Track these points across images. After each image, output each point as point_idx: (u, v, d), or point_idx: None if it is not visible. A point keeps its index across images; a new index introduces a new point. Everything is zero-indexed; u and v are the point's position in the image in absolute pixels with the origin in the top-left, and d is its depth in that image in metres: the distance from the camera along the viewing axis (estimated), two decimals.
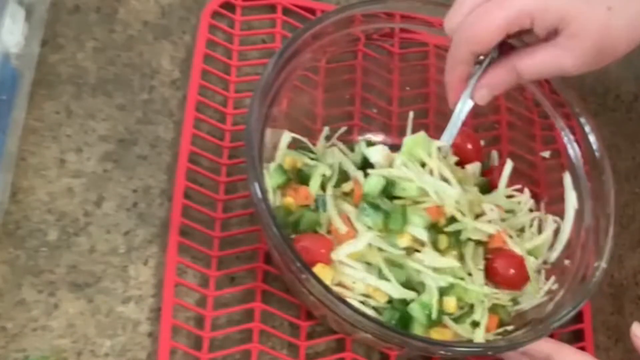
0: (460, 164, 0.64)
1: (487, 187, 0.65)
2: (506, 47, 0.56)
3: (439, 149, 0.60)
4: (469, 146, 0.65)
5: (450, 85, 0.58)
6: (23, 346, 0.54)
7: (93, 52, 0.64)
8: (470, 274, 0.58)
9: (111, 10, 0.66)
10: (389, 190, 0.58)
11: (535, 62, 0.54)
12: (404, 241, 0.56)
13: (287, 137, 0.61)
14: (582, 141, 0.63)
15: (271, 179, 0.58)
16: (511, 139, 0.68)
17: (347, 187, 0.59)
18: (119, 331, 0.56)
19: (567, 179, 0.63)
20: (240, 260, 0.60)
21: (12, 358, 0.54)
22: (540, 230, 0.64)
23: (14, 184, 0.58)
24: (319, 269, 0.55)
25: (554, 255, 0.62)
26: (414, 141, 0.60)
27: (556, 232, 0.63)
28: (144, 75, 0.65)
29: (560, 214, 0.63)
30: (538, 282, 0.61)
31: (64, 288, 0.57)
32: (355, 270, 0.55)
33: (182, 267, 0.59)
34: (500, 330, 0.58)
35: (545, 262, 0.62)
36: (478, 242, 0.59)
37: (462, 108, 0.59)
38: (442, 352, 0.53)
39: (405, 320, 0.55)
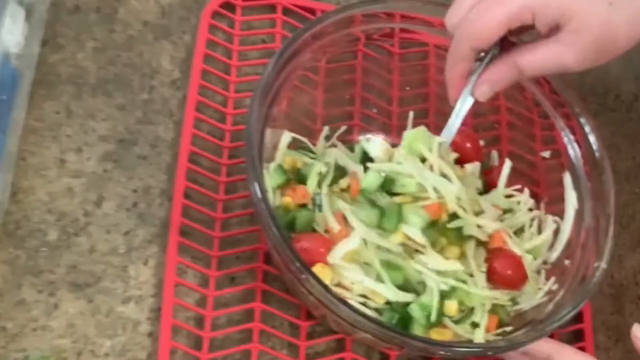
0: (460, 163, 0.64)
1: (486, 186, 0.65)
2: (507, 44, 0.56)
3: (440, 144, 0.60)
4: (469, 146, 0.65)
5: (451, 81, 0.58)
6: (23, 346, 0.54)
7: (93, 52, 0.64)
8: (472, 275, 0.57)
9: (111, 10, 0.66)
10: (388, 187, 0.58)
11: (536, 58, 0.54)
12: (397, 238, 0.56)
13: (287, 137, 0.61)
14: (582, 141, 0.63)
15: (271, 179, 0.58)
16: (511, 139, 0.68)
17: (344, 183, 0.59)
18: (119, 331, 0.56)
19: (567, 179, 0.63)
20: (240, 260, 0.60)
21: (12, 358, 0.54)
22: (540, 230, 0.64)
23: (14, 184, 0.58)
24: (318, 269, 0.55)
25: (554, 255, 0.62)
26: (415, 135, 0.60)
27: (556, 232, 0.63)
28: (144, 75, 0.65)
29: (560, 214, 0.63)
30: (537, 282, 0.61)
31: (64, 288, 0.57)
32: (352, 272, 0.55)
33: (182, 267, 0.59)
34: (500, 330, 0.58)
35: (545, 262, 0.62)
36: (479, 242, 0.59)
37: (463, 105, 0.59)
38: (442, 352, 0.53)
39: (405, 320, 0.55)
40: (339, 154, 0.62)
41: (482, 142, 0.67)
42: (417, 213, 0.56)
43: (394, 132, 0.67)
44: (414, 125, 0.66)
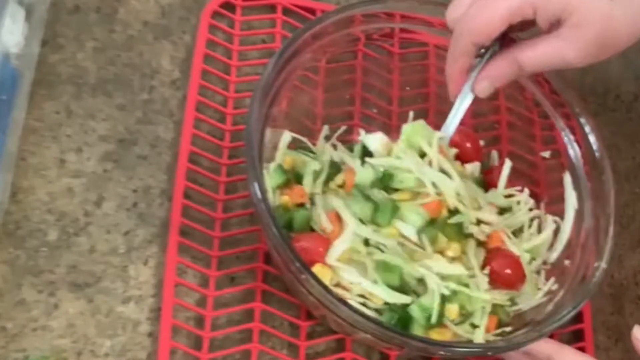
0: (460, 163, 0.64)
1: (485, 186, 0.65)
2: (507, 40, 0.56)
3: (440, 139, 0.60)
4: (469, 146, 0.65)
5: (451, 77, 0.57)
6: (23, 346, 0.54)
7: (93, 52, 0.64)
8: (473, 276, 0.57)
9: (111, 10, 0.66)
10: (386, 182, 0.58)
11: (537, 54, 0.54)
12: (390, 233, 0.56)
13: (287, 137, 0.61)
14: (582, 141, 0.63)
15: (271, 179, 0.58)
16: (511, 139, 0.68)
17: (339, 179, 0.59)
18: (119, 331, 0.56)
19: (567, 179, 0.63)
20: (240, 260, 0.60)
21: (12, 358, 0.54)
22: (540, 231, 0.64)
23: (14, 184, 0.58)
24: (318, 269, 0.55)
25: (554, 255, 0.62)
26: (414, 129, 0.60)
27: (556, 232, 0.63)
28: (144, 75, 0.65)
29: (560, 214, 0.63)
30: (537, 282, 0.61)
31: (64, 288, 0.57)
32: (349, 274, 0.55)
33: (182, 267, 0.59)
34: (500, 330, 0.58)
35: (545, 263, 0.62)
36: (478, 243, 0.59)
37: (463, 101, 0.59)
38: (442, 352, 0.53)
39: (405, 320, 0.55)
40: (333, 151, 0.62)
41: (482, 142, 0.67)
42: (415, 211, 0.56)
43: (394, 132, 0.67)
44: None
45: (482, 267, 0.59)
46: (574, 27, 0.52)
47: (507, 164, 0.64)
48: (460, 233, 0.58)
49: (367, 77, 0.67)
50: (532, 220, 0.64)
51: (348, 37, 0.63)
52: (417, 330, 0.55)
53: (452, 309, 0.56)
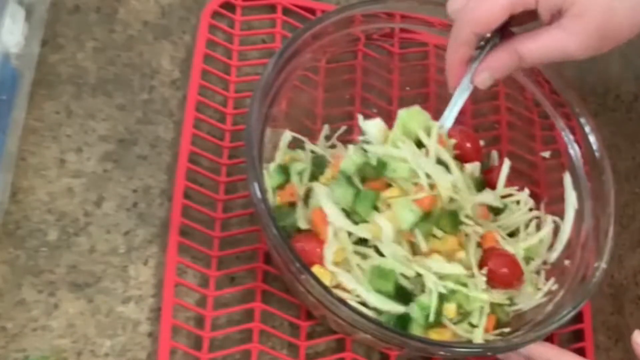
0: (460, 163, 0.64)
1: (485, 186, 0.64)
2: (508, 33, 0.56)
3: (441, 126, 0.60)
4: (469, 146, 0.65)
5: (451, 68, 0.57)
6: (23, 346, 0.54)
7: (93, 52, 0.64)
8: (472, 276, 0.57)
9: (111, 10, 0.66)
10: (379, 170, 0.57)
11: (538, 45, 0.54)
12: (368, 230, 0.56)
13: (287, 136, 0.61)
14: (582, 141, 0.63)
15: (271, 179, 0.58)
16: (511, 139, 0.68)
17: (328, 173, 0.59)
18: (119, 331, 0.56)
19: (567, 179, 0.63)
20: (240, 260, 0.60)
21: (12, 358, 0.54)
22: (539, 231, 0.63)
23: (14, 184, 0.58)
24: (317, 270, 0.55)
25: (554, 255, 0.62)
26: (409, 114, 0.59)
27: (556, 232, 0.63)
28: (144, 75, 0.65)
29: (560, 214, 0.63)
30: (537, 282, 0.61)
31: (64, 288, 0.57)
32: (346, 280, 0.55)
33: (182, 267, 0.59)
34: (499, 331, 0.58)
35: (545, 263, 0.62)
36: (477, 244, 0.59)
37: (462, 93, 0.59)
38: (441, 352, 0.53)
39: (404, 320, 0.55)
40: (315, 146, 0.61)
41: (482, 142, 0.67)
42: (408, 207, 0.55)
43: None
44: None
45: (480, 268, 0.59)
46: (575, 17, 0.52)
47: (506, 164, 0.64)
48: (455, 225, 0.57)
49: (367, 77, 0.67)
50: (530, 220, 0.64)
51: (348, 37, 0.63)
52: (416, 330, 0.55)
53: (450, 308, 0.56)
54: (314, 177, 0.59)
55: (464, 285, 0.56)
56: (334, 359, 0.59)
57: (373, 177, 0.57)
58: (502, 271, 0.58)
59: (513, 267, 0.59)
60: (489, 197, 0.62)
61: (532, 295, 0.60)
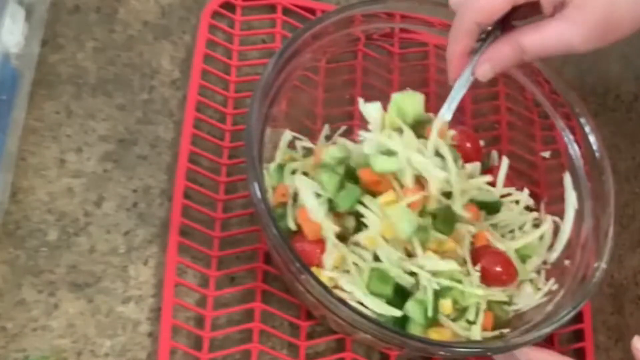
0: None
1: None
2: (509, 27, 0.56)
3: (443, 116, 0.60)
4: (469, 146, 0.65)
5: (452, 59, 0.57)
6: (23, 346, 0.54)
7: (93, 52, 0.64)
8: (467, 274, 0.57)
9: (111, 10, 0.66)
10: (368, 162, 0.57)
11: (540, 37, 0.54)
12: (350, 221, 0.56)
13: (287, 136, 0.61)
14: (582, 141, 0.63)
15: (271, 179, 0.58)
16: (511, 139, 0.68)
17: (310, 161, 0.59)
18: (119, 331, 0.56)
19: (567, 179, 0.63)
20: (240, 260, 0.60)
21: (12, 358, 0.54)
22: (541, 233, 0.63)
23: (14, 184, 0.58)
24: (317, 270, 0.55)
25: (554, 255, 0.62)
26: (403, 97, 0.59)
27: (556, 232, 0.63)
28: (144, 75, 0.65)
29: (560, 214, 0.63)
30: (537, 281, 0.61)
31: (64, 288, 0.57)
32: (344, 283, 0.55)
33: (182, 267, 0.59)
34: (499, 332, 0.58)
35: (545, 263, 0.62)
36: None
37: (462, 85, 0.58)
38: (441, 352, 0.53)
39: (403, 320, 0.55)
40: (306, 144, 0.61)
41: (482, 142, 0.67)
42: (406, 218, 0.55)
43: None
44: None
45: (473, 265, 0.59)
46: (578, 8, 0.52)
47: (505, 163, 0.64)
48: (452, 227, 0.57)
49: (367, 77, 0.67)
50: (526, 219, 0.63)
51: (348, 37, 0.63)
52: (415, 329, 0.55)
53: (446, 305, 0.56)
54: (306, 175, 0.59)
55: (459, 281, 0.56)
56: (334, 359, 0.59)
57: (361, 166, 0.57)
58: (495, 269, 0.58)
59: (506, 264, 0.59)
60: (482, 192, 0.62)
61: (532, 295, 0.60)
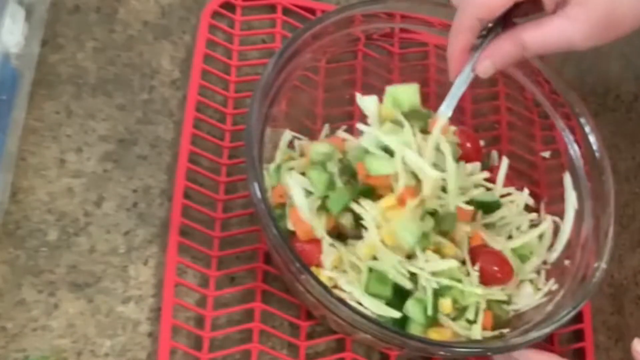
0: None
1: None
2: (510, 24, 0.56)
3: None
4: (469, 146, 0.65)
5: (453, 55, 0.57)
6: (23, 346, 0.54)
7: (93, 52, 0.64)
8: (467, 274, 0.57)
9: (111, 10, 0.66)
10: (361, 158, 0.57)
11: (541, 33, 0.53)
12: (347, 218, 0.56)
13: (287, 136, 0.61)
14: (582, 141, 0.63)
15: (271, 179, 0.58)
16: (511, 139, 0.68)
17: (302, 161, 0.59)
18: (119, 331, 0.56)
19: (567, 179, 0.63)
20: (240, 260, 0.60)
21: (12, 358, 0.54)
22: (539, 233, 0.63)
23: (14, 184, 0.58)
24: (317, 270, 0.55)
25: (554, 255, 0.62)
26: (397, 89, 0.59)
27: (556, 232, 0.63)
28: (144, 75, 0.65)
29: (560, 214, 0.63)
30: (537, 281, 0.61)
31: (64, 288, 0.57)
32: (343, 283, 0.55)
33: (182, 267, 0.59)
34: (498, 332, 0.58)
35: (545, 263, 0.62)
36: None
37: (463, 81, 0.58)
38: (441, 352, 0.53)
39: (403, 320, 0.55)
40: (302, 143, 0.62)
41: (482, 142, 0.67)
42: (409, 230, 0.55)
43: None
44: None
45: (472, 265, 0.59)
46: (580, 5, 0.52)
47: (505, 162, 0.64)
48: (452, 223, 0.57)
49: (367, 77, 0.67)
50: (522, 219, 0.63)
51: (348, 37, 0.63)
52: (415, 329, 0.55)
53: (446, 304, 0.56)
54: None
55: (459, 281, 0.56)
56: (334, 359, 0.59)
57: (358, 160, 0.57)
58: (490, 268, 0.58)
59: (501, 263, 0.59)
60: (481, 192, 0.62)
61: (532, 295, 0.60)
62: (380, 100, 0.60)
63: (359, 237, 0.57)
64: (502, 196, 0.64)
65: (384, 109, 0.59)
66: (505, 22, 0.56)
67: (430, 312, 0.55)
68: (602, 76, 0.76)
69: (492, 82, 0.68)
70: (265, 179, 0.56)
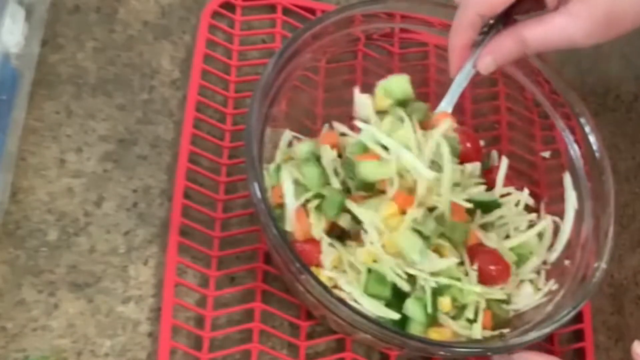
0: (460, 163, 0.64)
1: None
2: (511, 21, 0.56)
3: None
4: (469, 146, 0.65)
5: (454, 51, 0.57)
6: (23, 346, 0.54)
7: (93, 52, 0.64)
8: (466, 273, 0.57)
9: (111, 10, 0.66)
10: (363, 149, 0.57)
11: (543, 30, 0.53)
12: (344, 220, 0.56)
13: (287, 136, 0.61)
14: (582, 141, 0.63)
15: (271, 179, 0.58)
16: (511, 139, 0.68)
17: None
18: (119, 331, 0.56)
19: (567, 179, 0.63)
20: (240, 260, 0.60)
21: (12, 358, 0.54)
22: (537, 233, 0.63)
23: (14, 184, 0.58)
24: (317, 269, 0.55)
25: (554, 255, 0.62)
26: (388, 81, 0.60)
27: (556, 232, 0.63)
28: (144, 75, 0.65)
29: (560, 214, 0.63)
30: (537, 281, 0.61)
31: (64, 288, 0.57)
32: (343, 283, 0.55)
33: (182, 267, 0.59)
34: (498, 332, 0.58)
35: (545, 263, 0.62)
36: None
37: (463, 78, 0.58)
38: (441, 352, 0.53)
39: (403, 320, 0.55)
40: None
41: (482, 142, 0.67)
42: (412, 244, 0.55)
43: None
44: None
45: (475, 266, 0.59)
46: (582, 2, 0.52)
47: (504, 162, 0.64)
48: (462, 234, 0.58)
49: (367, 77, 0.67)
50: (523, 219, 0.63)
51: (348, 37, 0.63)
52: (416, 329, 0.55)
53: (445, 302, 0.56)
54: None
55: (457, 279, 0.56)
56: (334, 359, 0.59)
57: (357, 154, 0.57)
58: (486, 267, 0.58)
59: (497, 262, 0.59)
60: (480, 191, 0.62)
61: (532, 295, 0.60)
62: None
63: (359, 236, 0.57)
64: (502, 196, 0.64)
65: (377, 100, 0.60)
66: (506, 19, 0.56)
67: (430, 309, 0.55)
68: (602, 76, 0.76)
69: (492, 82, 0.68)
70: (265, 179, 0.56)
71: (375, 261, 0.56)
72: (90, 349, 0.55)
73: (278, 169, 0.59)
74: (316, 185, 0.56)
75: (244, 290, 0.59)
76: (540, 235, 0.63)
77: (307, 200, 0.57)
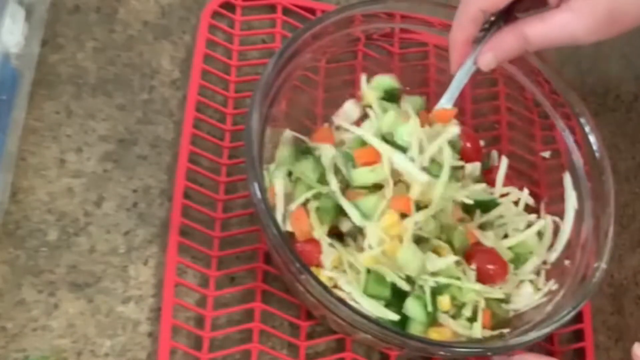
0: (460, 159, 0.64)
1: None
2: (513, 18, 0.56)
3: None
4: (469, 146, 0.65)
5: (455, 47, 0.57)
6: (23, 346, 0.54)
7: (93, 52, 0.64)
8: (464, 272, 0.57)
9: (111, 10, 0.66)
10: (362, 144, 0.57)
11: (545, 27, 0.53)
12: (342, 222, 0.57)
13: (287, 136, 0.61)
14: (582, 141, 0.63)
15: (271, 179, 0.58)
16: (511, 139, 0.68)
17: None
18: (119, 331, 0.56)
19: (567, 179, 0.63)
20: (240, 260, 0.60)
21: (12, 358, 0.54)
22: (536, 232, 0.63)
23: (14, 184, 0.58)
24: (317, 270, 0.55)
25: (554, 255, 0.62)
26: (372, 80, 0.61)
27: (556, 232, 0.63)
28: (144, 75, 0.65)
29: (560, 214, 0.63)
30: (537, 281, 0.61)
31: (64, 288, 0.57)
32: (343, 283, 0.55)
33: (182, 267, 0.59)
34: (498, 332, 0.58)
35: (545, 263, 0.62)
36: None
37: (464, 74, 0.58)
38: (441, 352, 0.53)
39: (403, 320, 0.55)
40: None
41: (482, 142, 0.67)
42: (413, 258, 0.55)
43: None
44: None
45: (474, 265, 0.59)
46: None
47: (504, 162, 0.64)
48: (463, 240, 0.58)
49: (367, 77, 0.67)
50: (522, 219, 0.63)
51: (348, 37, 0.63)
52: (416, 329, 0.55)
53: (444, 301, 0.56)
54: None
55: (457, 278, 0.56)
56: (334, 359, 0.59)
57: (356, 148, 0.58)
58: (484, 266, 0.58)
59: (495, 261, 0.59)
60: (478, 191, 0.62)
61: (532, 295, 0.60)
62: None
63: (359, 233, 0.57)
64: (502, 196, 0.64)
65: (365, 94, 0.60)
66: (507, 15, 0.56)
67: (430, 307, 0.55)
68: (602, 76, 0.76)
69: (492, 82, 0.69)
70: (265, 179, 0.56)
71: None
72: (90, 349, 0.55)
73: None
74: (314, 181, 0.56)
75: (244, 290, 0.59)
76: (540, 235, 0.63)
77: (307, 200, 0.57)
